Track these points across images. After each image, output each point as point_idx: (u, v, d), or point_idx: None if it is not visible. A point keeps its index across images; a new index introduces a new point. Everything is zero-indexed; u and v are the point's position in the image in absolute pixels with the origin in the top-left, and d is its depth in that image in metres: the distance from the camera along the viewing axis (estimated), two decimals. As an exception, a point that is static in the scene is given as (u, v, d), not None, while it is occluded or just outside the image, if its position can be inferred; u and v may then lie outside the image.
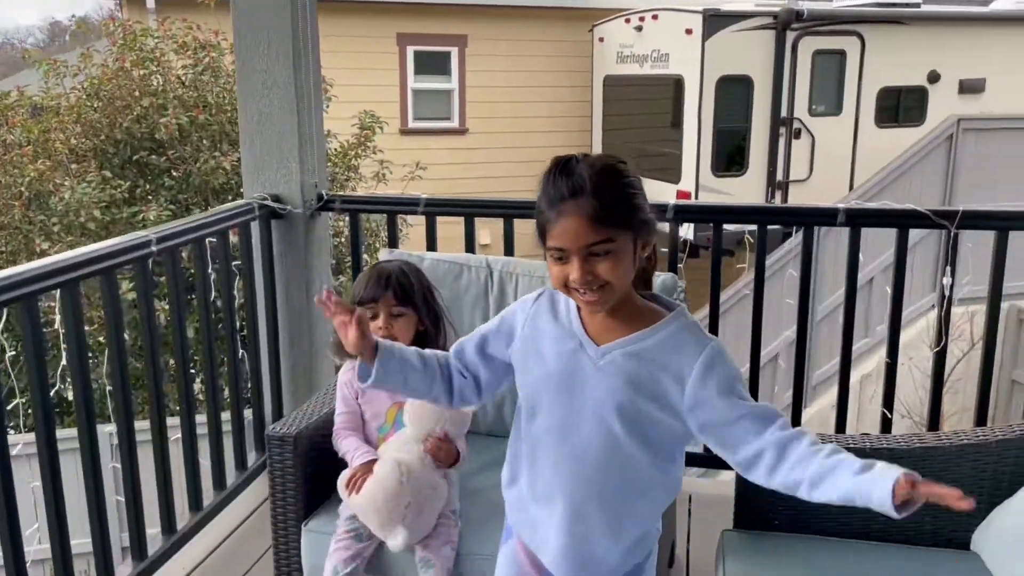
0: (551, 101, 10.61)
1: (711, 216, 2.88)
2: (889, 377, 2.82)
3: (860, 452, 1.81)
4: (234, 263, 2.79)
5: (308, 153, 3.07)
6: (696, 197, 8.54)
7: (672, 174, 8.82)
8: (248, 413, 2.91)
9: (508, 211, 2.95)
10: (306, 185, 3.05)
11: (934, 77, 9.00)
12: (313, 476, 2.00)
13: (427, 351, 1.54)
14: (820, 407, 6.82)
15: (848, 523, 1.85)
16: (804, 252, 2.76)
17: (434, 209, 2.99)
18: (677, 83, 8.85)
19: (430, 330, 2.05)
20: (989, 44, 9.03)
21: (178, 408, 2.44)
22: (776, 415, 1.37)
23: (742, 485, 1.87)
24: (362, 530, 1.88)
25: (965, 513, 1.75)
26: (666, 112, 9.21)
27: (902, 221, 2.68)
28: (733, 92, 8.48)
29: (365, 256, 3.18)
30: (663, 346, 1.38)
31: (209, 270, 2.55)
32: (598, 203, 1.31)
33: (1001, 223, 2.64)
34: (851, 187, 8.80)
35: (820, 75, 8.65)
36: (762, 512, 1.87)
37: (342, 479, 1.91)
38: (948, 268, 2.69)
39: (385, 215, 3.05)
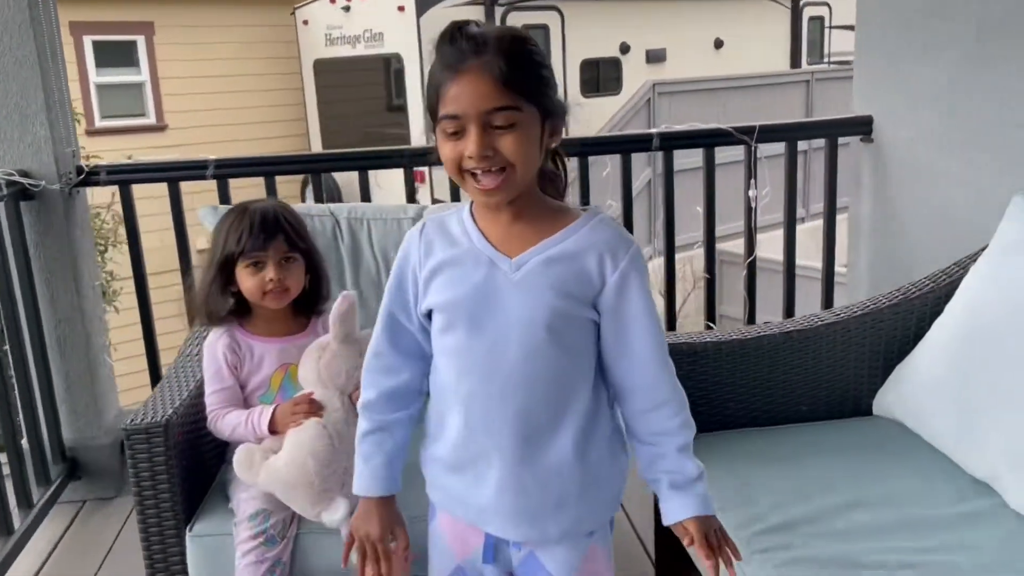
0: (258, 90, 10.00)
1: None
2: (709, 290, 2.95)
3: (769, 337, 1.87)
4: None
5: (58, 117, 2.56)
6: (430, 177, 8.51)
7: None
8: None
9: (313, 165, 2.67)
10: (61, 156, 2.54)
11: (625, 48, 9.75)
12: (188, 471, 1.64)
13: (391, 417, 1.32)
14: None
15: (756, 414, 1.88)
16: (624, 179, 2.80)
17: (227, 171, 2.62)
18: (396, 62, 8.75)
19: (323, 275, 1.77)
20: (667, 18, 9.96)
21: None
22: (672, 374, 1.27)
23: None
24: (271, 529, 1.57)
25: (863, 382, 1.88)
26: (387, 93, 9.08)
27: (708, 140, 2.81)
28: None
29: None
30: (582, 244, 1.21)
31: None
32: (505, 63, 1.12)
33: (788, 134, 2.91)
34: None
35: (529, 49, 9.01)
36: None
37: (241, 456, 1.57)
38: (752, 181, 2.88)
39: (166, 184, 2.61)
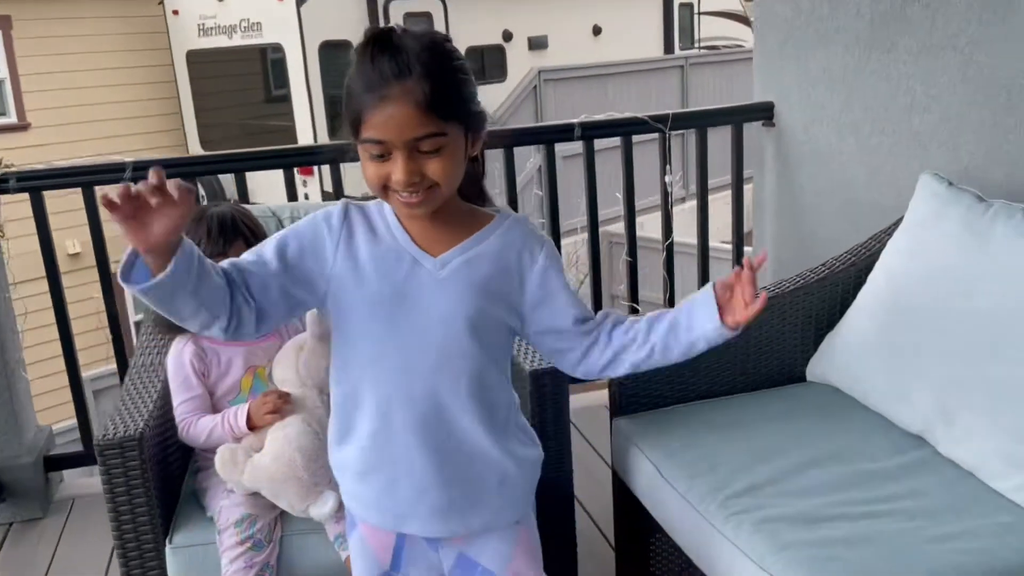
0: (128, 84, 9.55)
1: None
2: (631, 274, 3.07)
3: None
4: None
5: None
6: (319, 169, 8.37)
7: (287, 147, 8.53)
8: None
9: (237, 164, 2.62)
10: (-38, 161, 2.40)
11: (508, 36, 9.84)
12: (162, 483, 1.62)
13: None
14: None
15: (702, 387, 2.00)
16: (548, 169, 2.88)
17: (146, 174, 2.53)
18: (276, 52, 8.53)
19: None
20: (548, 5, 10.11)
21: None
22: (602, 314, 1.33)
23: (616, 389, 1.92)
24: (258, 534, 1.57)
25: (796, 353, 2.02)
26: (269, 83, 8.85)
27: (626, 128, 2.93)
28: (338, 57, 8.41)
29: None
30: (502, 244, 1.25)
31: None
32: (430, 88, 1.09)
33: (698, 121, 3.05)
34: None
35: (413, 38, 8.96)
36: (636, 400, 1.94)
37: (224, 455, 1.56)
38: (668, 167, 3.02)
39: (81, 191, 2.50)
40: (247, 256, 1.21)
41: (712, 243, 3.13)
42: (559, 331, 1.30)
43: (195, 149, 9.60)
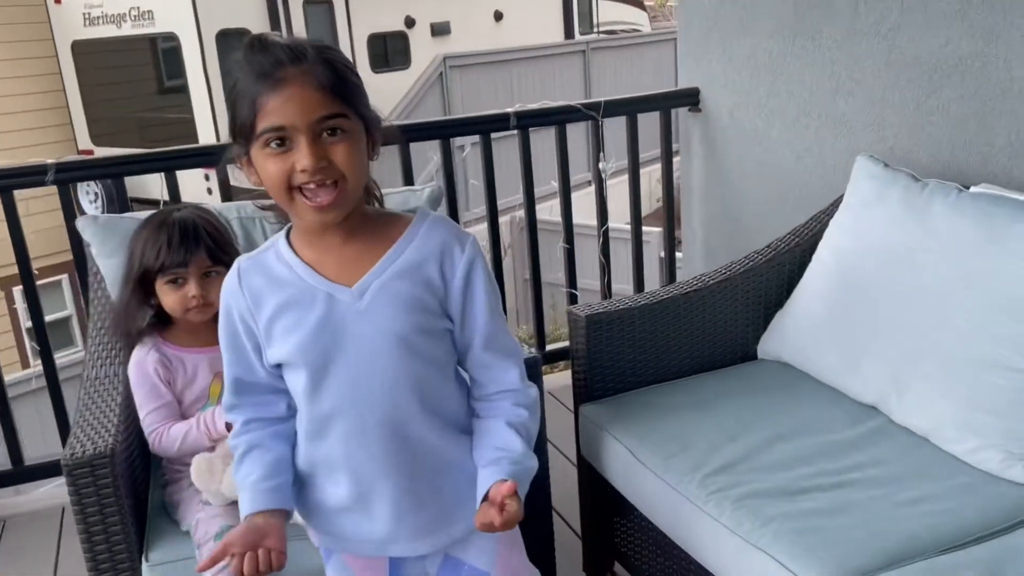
0: (11, 77, 8.97)
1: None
2: (569, 260, 3.11)
3: (672, 299, 2.03)
4: None
5: None
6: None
7: (187, 141, 8.21)
8: None
9: (169, 162, 2.52)
10: None
11: (411, 22, 9.73)
12: (133, 500, 1.55)
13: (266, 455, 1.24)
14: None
15: (661, 371, 2.05)
16: (485, 158, 2.88)
17: (72, 175, 2.42)
18: (168, 41, 8.20)
19: None
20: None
21: None
22: (518, 362, 1.26)
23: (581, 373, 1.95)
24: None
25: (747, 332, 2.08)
26: (161, 74, 8.50)
27: (560, 117, 2.95)
28: (237, 46, 8.12)
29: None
30: (421, 251, 1.18)
31: None
32: (327, 70, 1.08)
33: (629, 107, 3.09)
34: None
35: (314, 25, 8.76)
36: (597, 387, 1.97)
37: (200, 464, 1.51)
38: (601, 153, 3.06)
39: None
40: (249, 379, 1.23)
41: (613, 224, 3.16)
42: (463, 355, 1.24)
43: (85, 144, 9.15)
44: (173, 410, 1.62)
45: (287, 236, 1.20)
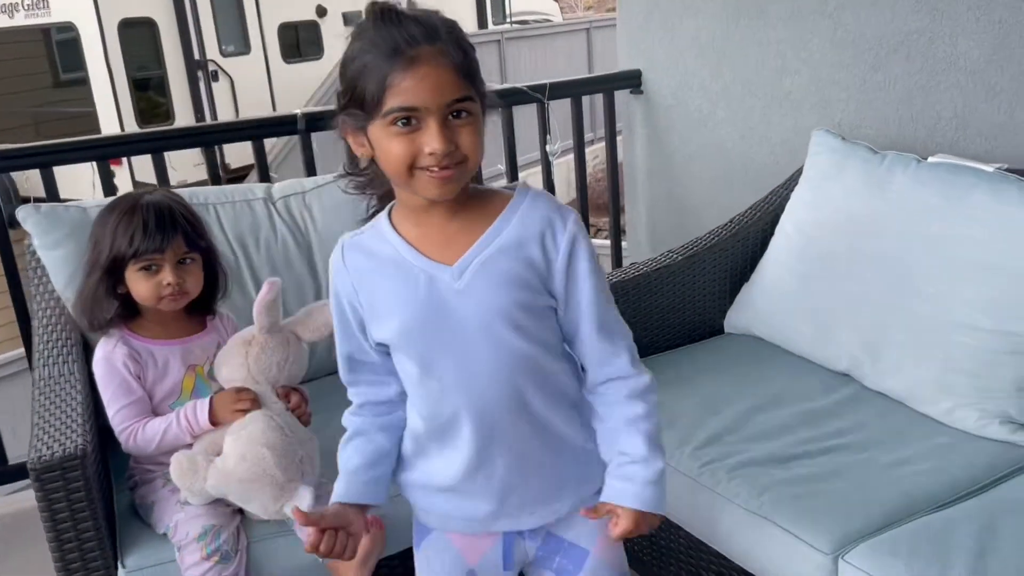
0: None
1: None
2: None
3: (646, 275, 2.03)
4: None
5: None
6: (129, 160, 7.77)
7: (89, 135, 7.84)
8: None
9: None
10: None
11: (322, 11, 9.53)
12: (105, 503, 1.45)
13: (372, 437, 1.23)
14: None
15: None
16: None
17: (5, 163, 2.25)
18: (65, 32, 7.80)
19: (220, 272, 1.62)
20: (360, -22, 9.88)
21: None
22: (629, 346, 1.22)
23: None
24: (224, 545, 1.43)
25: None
26: (56, 66, 8.08)
27: (508, 99, 2.91)
28: (140, 36, 7.82)
29: None
30: (523, 228, 1.14)
31: None
32: (458, 50, 1.06)
33: (574, 89, 3.07)
34: (276, 124, 8.96)
35: (222, 14, 8.49)
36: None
37: (182, 463, 1.42)
38: (548, 136, 3.05)
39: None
40: (360, 357, 1.22)
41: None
42: (571, 338, 1.20)
43: (-25, 140, 8.61)
44: (145, 406, 1.53)
45: (388, 215, 1.18)
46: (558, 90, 2.99)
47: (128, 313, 1.56)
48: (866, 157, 1.98)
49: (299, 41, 9.37)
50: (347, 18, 9.80)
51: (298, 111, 2.70)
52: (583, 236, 1.17)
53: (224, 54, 8.58)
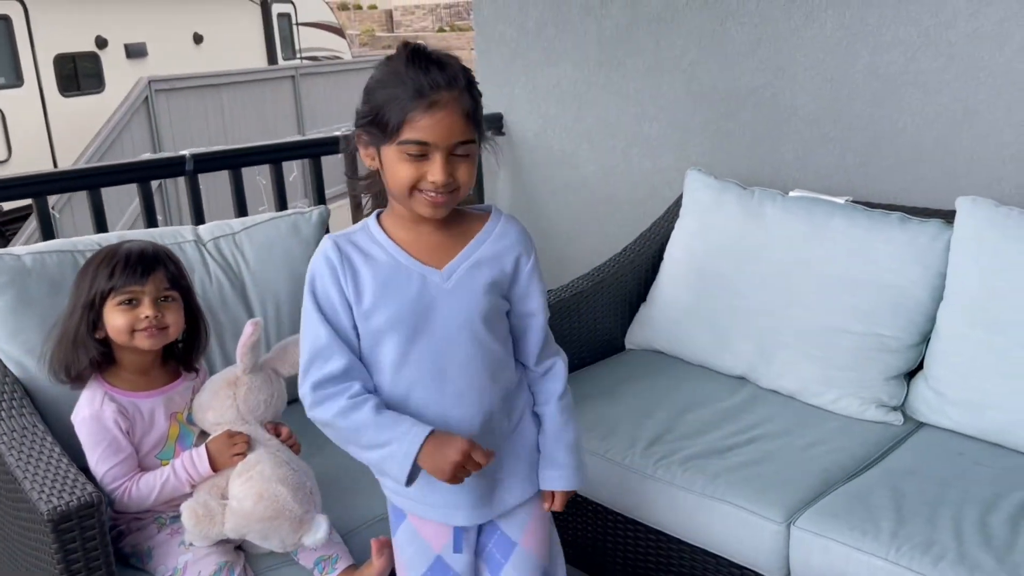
0: None
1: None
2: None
3: (562, 300, 2.23)
4: None
5: None
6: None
7: None
8: None
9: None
10: None
11: (102, 42, 8.98)
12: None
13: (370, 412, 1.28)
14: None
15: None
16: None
17: None
18: None
19: (202, 325, 1.62)
20: (144, 11, 9.41)
21: None
22: (559, 351, 1.48)
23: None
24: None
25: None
26: None
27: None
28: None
29: None
30: (499, 244, 1.35)
31: None
32: (472, 100, 1.25)
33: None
34: (55, 162, 8.32)
35: (-9, 42, 7.79)
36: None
37: (196, 511, 1.42)
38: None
39: None
40: (336, 346, 1.29)
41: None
42: (531, 313, 1.40)
43: None
44: (134, 462, 1.51)
45: (378, 220, 1.33)
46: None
47: (105, 361, 1.53)
48: (739, 192, 2.32)
49: (77, 73, 8.77)
50: (129, 50, 9.32)
51: (186, 152, 2.66)
52: (538, 263, 1.41)
53: (-5, 86, 7.87)
